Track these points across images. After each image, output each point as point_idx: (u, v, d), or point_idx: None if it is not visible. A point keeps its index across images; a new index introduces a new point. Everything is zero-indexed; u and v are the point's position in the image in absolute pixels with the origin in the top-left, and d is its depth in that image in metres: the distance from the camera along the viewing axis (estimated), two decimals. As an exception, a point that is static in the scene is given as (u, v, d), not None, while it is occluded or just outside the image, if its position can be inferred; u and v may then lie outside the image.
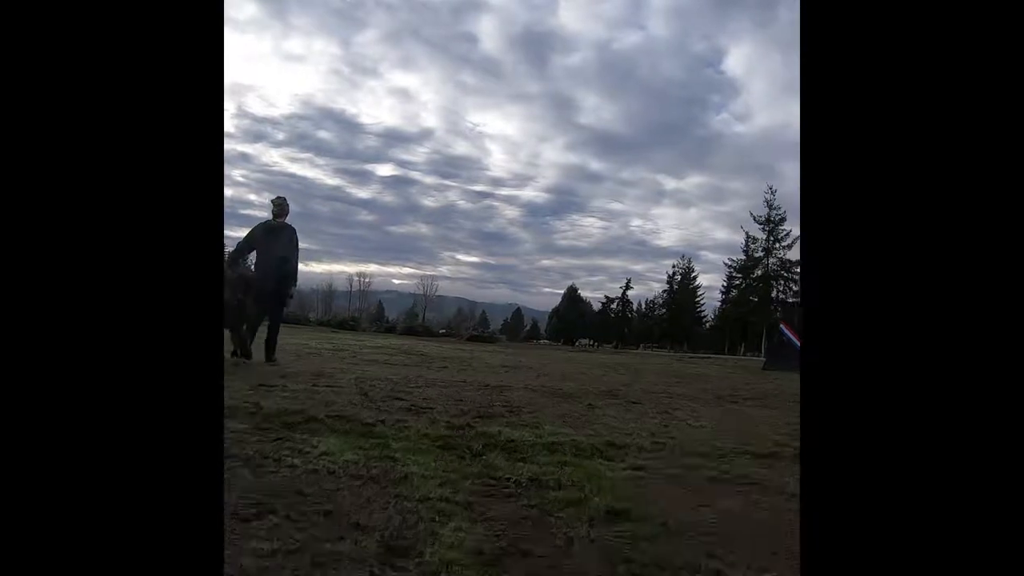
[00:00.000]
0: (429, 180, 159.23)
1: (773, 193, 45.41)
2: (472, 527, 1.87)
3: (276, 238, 6.86)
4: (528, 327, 66.37)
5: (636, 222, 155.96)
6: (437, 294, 68.81)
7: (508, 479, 2.45)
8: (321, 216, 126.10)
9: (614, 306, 54.98)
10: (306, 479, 2.27)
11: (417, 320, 33.16)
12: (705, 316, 52.63)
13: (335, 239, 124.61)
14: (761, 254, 45.48)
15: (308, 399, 4.16)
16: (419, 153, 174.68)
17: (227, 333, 6.23)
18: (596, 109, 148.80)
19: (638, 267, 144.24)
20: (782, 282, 44.96)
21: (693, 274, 53.02)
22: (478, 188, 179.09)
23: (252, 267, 6.96)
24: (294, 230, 7.06)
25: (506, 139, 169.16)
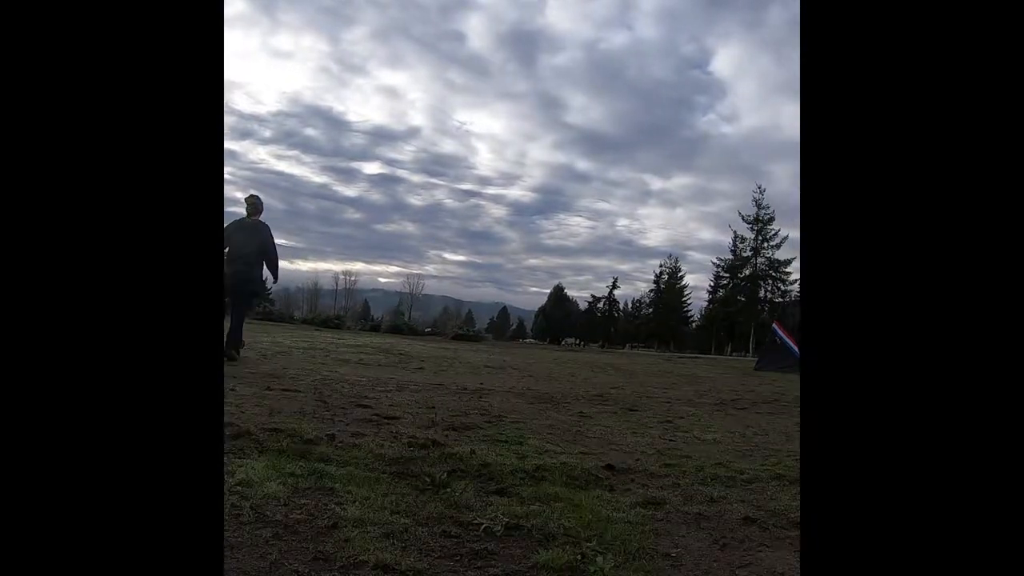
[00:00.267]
0: (416, 178, 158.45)
1: (762, 192, 45.15)
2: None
3: (249, 236, 6.69)
4: (514, 326, 65.93)
5: (623, 222, 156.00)
6: (423, 293, 68.72)
7: (478, 526, 1.81)
8: (307, 214, 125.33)
9: (600, 305, 54.50)
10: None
11: (403, 319, 32.40)
12: (692, 316, 52.38)
13: (321, 237, 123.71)
14: (749, 253, 45.19)
15: (253, 407, 3.51)
16: (406, 151, 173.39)
17: None
18: (583, 109, 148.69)
19: (624, 267, 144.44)
20: (770, 282, 44.72)
21: (680, 274, 52.69)
22: (465, 187, 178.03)
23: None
24: (268, 227, 6.92)
25: (493, 138, 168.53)
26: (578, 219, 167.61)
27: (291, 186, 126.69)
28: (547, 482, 2.32)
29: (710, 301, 47.96)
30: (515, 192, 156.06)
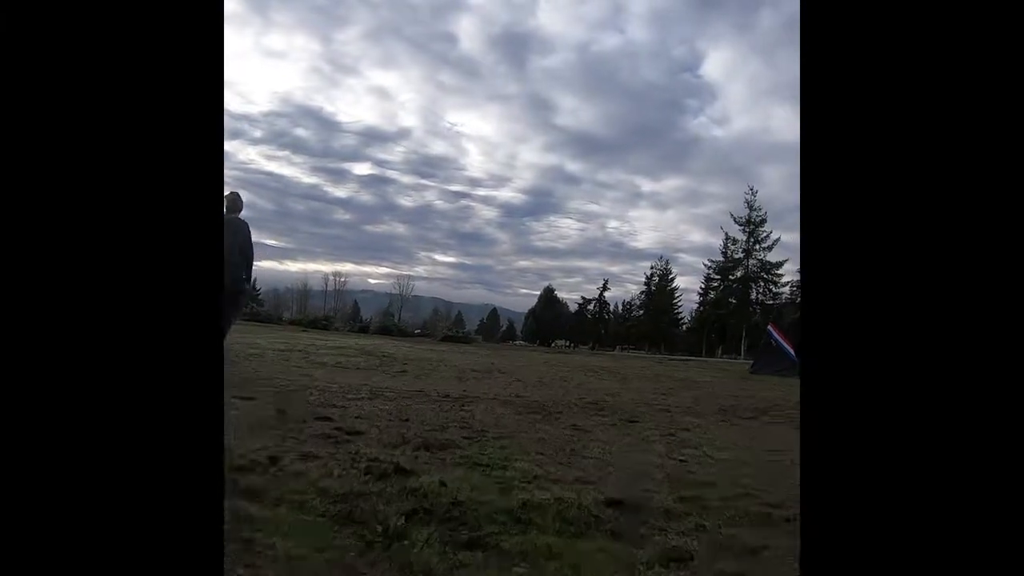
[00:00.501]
0: (406, 179, 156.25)
1: (754, 194, 44.88)
2: None
3: (230, 235, 6.39)
4: (504, 328, 65.41)
5: (613, 224, 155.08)
6: (413, 294, 67.98)
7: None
8: (297, 214, 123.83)
9: (591, 307, 54.11)
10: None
11: (392, 320, 31.87)
12: (682, 318, 52.12)
13: (311, 238, 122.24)
14: (741, 255, 44.90)
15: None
16: (397, 152, 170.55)
17: None
18: (574, 111, 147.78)
19: (615, 269, 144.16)
20: (761, 284, 44.44)
21: (671, 276, 52.31)
22: (455, 188, 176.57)
23: None
24: (247, 224, 6.69)
25: (484, 139, 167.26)
26: (568, 221, 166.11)
27: (281, 187, 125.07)
28: (537, 528, 1.80)
29: (701, 303, 47.69)
30: (505, 193, 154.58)
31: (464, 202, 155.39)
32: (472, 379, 7.22)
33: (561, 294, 56.54)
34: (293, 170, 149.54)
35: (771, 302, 42.11)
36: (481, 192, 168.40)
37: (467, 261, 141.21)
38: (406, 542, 1.62)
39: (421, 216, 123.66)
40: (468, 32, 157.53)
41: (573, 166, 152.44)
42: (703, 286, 47.62)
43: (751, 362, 17.70)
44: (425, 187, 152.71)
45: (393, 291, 65.89)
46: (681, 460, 3.07)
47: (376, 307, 63.14)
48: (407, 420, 3.65)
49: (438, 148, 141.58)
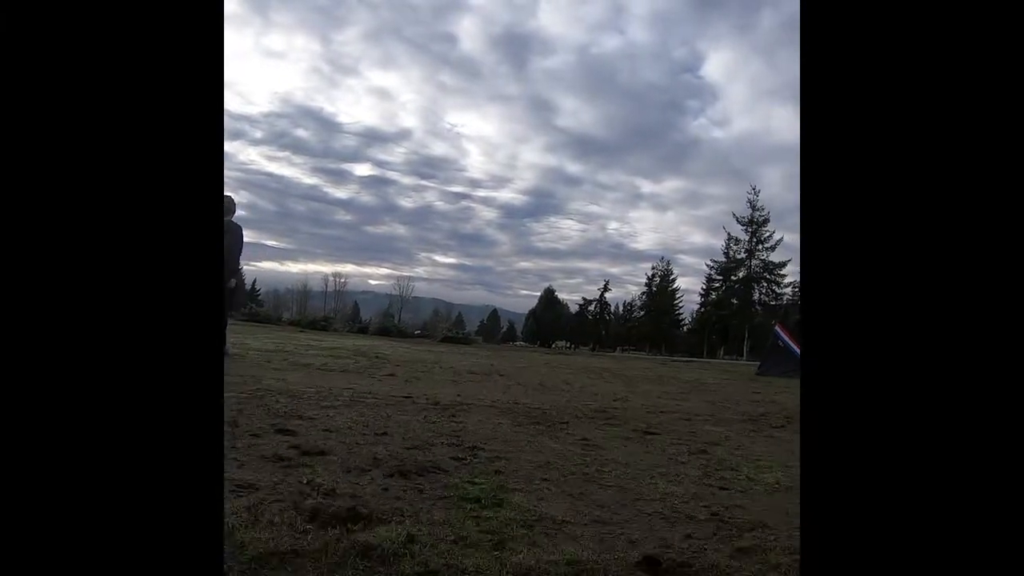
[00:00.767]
0: (407, 180, 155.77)
1: (756, 194, 44.24)
2: None
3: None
4: (505, 329, 64.88)
5: (613, 225, 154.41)
6: (414, 295, 67.86)
7: None
8: (298, 215, 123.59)
9: (592, 308, 53.59)
10: None
11: (392, 320, 31.28)
12: (683, 319, 51.57)
13: (311, 238, 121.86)
14: (743, 255, 44.27)
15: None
16: (397, 153, 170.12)
17: None
18: (575, 112, 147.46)
19: (615, 270, 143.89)
20: (764, 284, 43.81)
21: (672, 276, 51.83)
22: (456, 189, 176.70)
23: None
24: (240, 228, 7.02)
25: (484, 140, 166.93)
26: (569, 222, 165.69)
27: (282, 187, 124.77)
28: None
29: (702, 304, 47.14)
30: (506, 194, 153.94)
31: (465, 203, 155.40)
32: (468, 382, 6.61)
33: (562, 295, 56.11)
34: (293, 171, 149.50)
35: (774, 303, 41.48)
36: (481, 193, 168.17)
37: (468, 262, 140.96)
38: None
39: (421, 217, 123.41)
40: (469, 32, 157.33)
41: (573, 167, 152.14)
42: (704, 287, 47.10)
43: (756, 363, 17.13)
44: (425, 188, 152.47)
45: (393, 292, 65.75)
46: (722, 488, 2.47)
47: (376, 308, 62.77)
48: (384, 434, 3.06)
49: (439, 149, 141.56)
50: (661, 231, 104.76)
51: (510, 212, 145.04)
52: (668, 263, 52.60)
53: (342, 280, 66.88)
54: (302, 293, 63.14)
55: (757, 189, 44.91)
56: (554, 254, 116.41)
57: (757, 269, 43.95)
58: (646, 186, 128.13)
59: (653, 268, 52.33)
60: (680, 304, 51.47)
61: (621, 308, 54.41)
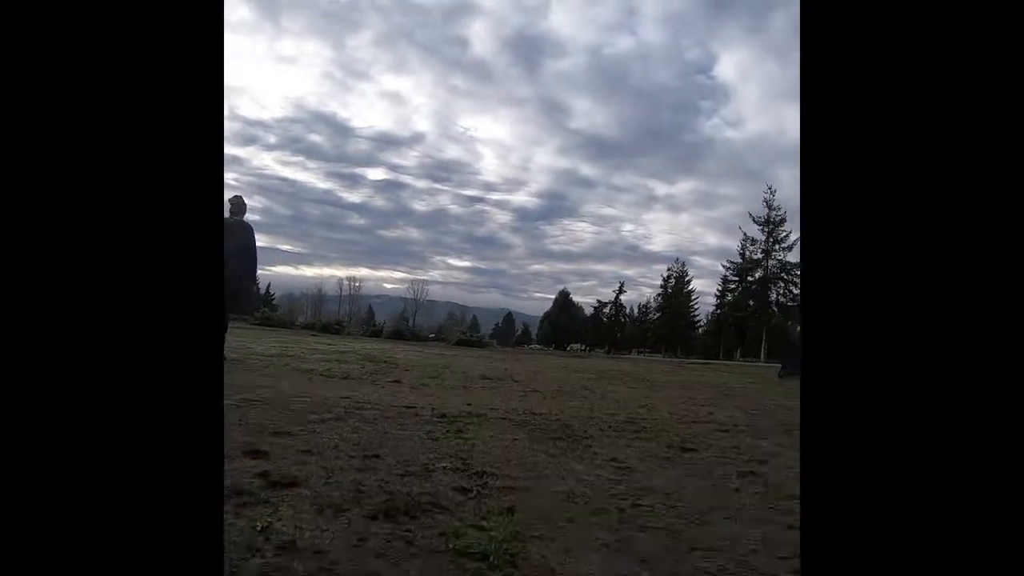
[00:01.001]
0: (420, 184, 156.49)
1: (772, 193, 43.24)
2: None
3: (230, 237, 6.47)
4: (519, 332, 64.40)
5: (628, 227, 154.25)
6: (428, 299, 67.69)
7: None
8: (312, 219, 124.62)
9: (607, 310, 52.97)
10: None
11: (406, 324, 30.97)
12: (699, 321, 50.76)
13: (326, 242, 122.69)
14: (760, 256, 43.35)
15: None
16: (410, 157, 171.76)
17: None
18: (588, 114, 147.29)
19: (630, 272, 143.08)
20: (781, 284, 42.85)
21: (687, 278, 51.12)
22: (469, 192, 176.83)
23: None
24: (251, 227, 6.89)
25: (497, 143, 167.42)
26: (583, 224, 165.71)
27: (295, 192, 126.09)
28: None
29: (718, 305, 46.29)
30: (520, 197, 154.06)
31: (478, 206, 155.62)
32: (480, 389, 6.11)
33: (576, 298, 55.66)
34: (307, 175, 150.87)
35: (791, 304, 40.52)
36: (495, 196, 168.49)
37: (482, 265, 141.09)
38: None
39: (435, 221, 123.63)
40: (480, 36, 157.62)
41: (587, 169, 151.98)
42: (720, 288, 46.24)
43: (776, 365, 16.47)
44: (439, 192, 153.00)
45: (408, 296, 65.67)
46: (791, 527, 1.95)
47: (391, 312, 62.75)
48: (376, 456, 2.56)
49: (452, 152, 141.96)
50: (675, 233, 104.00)
51: (524, 215, 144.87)
52: (683, 265, 52.08)
53: (356, 284, 66.97)
54: (317, 297, 63.32)
55: (773, 189, 43.73)
56: (568, 257, 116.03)
57: (774, 269, 43.04)
58: (660, 188, 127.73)
59: (668, 270, 51.91)
60: (695, 306, 50.87)
61: (636, 310, 53.90)
